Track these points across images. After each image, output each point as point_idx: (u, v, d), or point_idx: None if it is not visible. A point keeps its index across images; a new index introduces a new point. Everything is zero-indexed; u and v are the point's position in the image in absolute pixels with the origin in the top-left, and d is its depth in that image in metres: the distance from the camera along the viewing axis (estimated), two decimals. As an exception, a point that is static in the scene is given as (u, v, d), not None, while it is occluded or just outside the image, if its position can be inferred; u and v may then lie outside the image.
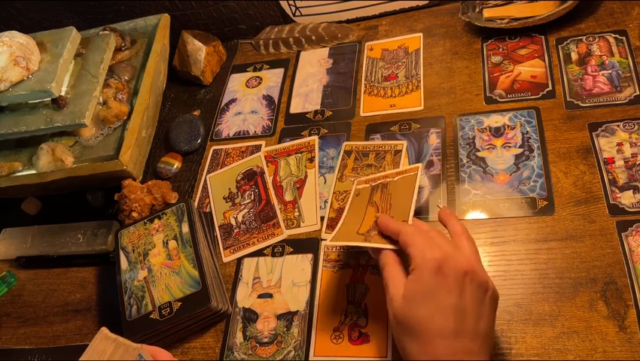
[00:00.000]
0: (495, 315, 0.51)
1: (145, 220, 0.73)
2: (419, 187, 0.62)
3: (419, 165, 0.63)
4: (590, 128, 0.68)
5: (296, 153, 0.79)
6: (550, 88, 0.73)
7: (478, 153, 0.70)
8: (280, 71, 0.92)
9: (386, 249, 0.56)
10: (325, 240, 0.69)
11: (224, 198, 0.78)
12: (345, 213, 0.65)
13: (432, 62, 0.83)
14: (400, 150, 0.74)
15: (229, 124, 0.87)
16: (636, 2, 0.77)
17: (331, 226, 0.70)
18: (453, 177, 0.69)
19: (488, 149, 0.70)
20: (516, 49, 0.79)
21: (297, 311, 0.65)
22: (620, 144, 0.65)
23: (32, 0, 0.97)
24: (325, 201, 0.72)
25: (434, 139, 0.74)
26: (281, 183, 0.77)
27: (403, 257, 0.55)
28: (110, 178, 0.78)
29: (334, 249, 0.68)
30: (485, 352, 0.49)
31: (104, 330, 0.51)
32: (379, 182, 0.66)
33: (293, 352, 0.62)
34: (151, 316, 0.64)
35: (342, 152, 0.77)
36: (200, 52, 0.92)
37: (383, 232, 0.57)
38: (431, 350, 0.48)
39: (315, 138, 0.80)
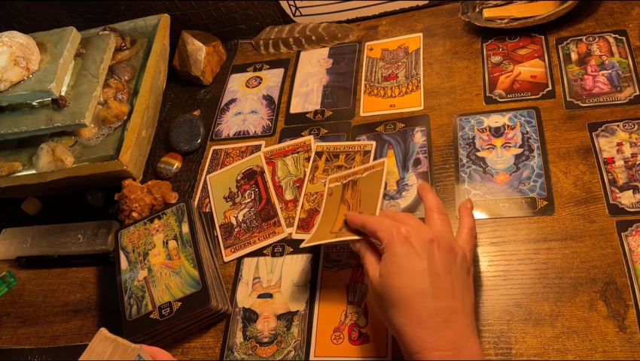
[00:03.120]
0: (469, 278, 0.54)
1: (145, 220, 0.73)
2: (385, 183, 0.64)
3: (384, 159, 0.66)
4: (590, 128, 0.68)
5: (292, 153, 0.79)
6: (550, 88, 0.73)
7: (478, 153, 0.70)
8: (280, 71, 0.92)
9: (353, 239, 0.59)
10: (294, 238, 0.71)
11: (224, 197, 0.78)
12: (320, 215, 0.68)
13: (432, 62, 0.83)
14: (369, 151, 0.75)
15: (229, 124, 0.87)
16: (636, 2, 0.77)
17: (301, 226, 0.71)
18: (453, 177, 0.69)
19: (488, 149, 0.70)
20: (516, 49, 0.79)
21: (297, 311, 0.65)
22: (619, 144, 0.65)
23: (32, 0, 0.97)
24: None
25: (419, 137, 0.74)
26: (280, 184, 0.77)
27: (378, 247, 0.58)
28: (110, 178, 0.78)
29: (334, 249, 0.68)
30: (468, 311, 0.51)
31: (103, 331, 0.51)
32: (349, 179, 0.68)
33: (293, 352, 0.62)
34: (151, 316, 0.64)
35: (313, 153, 0.77)
36: (200, 52, 0.92)
37: (351, 226, 0.60)
38: (415, 315, 0.49)
39: (311, 137, 0.80)
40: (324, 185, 0.72)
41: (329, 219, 0.65)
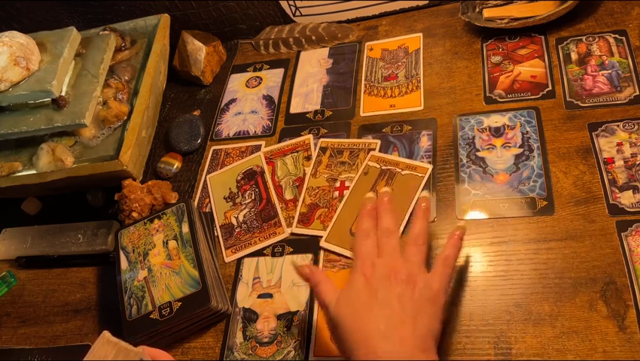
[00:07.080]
0: (432, 307, 0.53)
1: (145, 220, 0.73)
2: (420, 192, 0.63)
3: (430, 167, 0.63)
4: (590, 128, 0.68)
5: (292, 153, 0.79)
6: (550, 88, 0.73)
7: (478, 153, 0.70)
8: (280, 71, 0.92)
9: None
10: (294, 233, 0.71)
11: (224, 198, 0.78)
12: (345, 197, 0.67)
13: (432, 62, 0.83)
14: (374, 149, 0.75)
15: (229, 124, 0.87)
16: (636, 2, 0.77)
17: (302, 221, 0.71)
18: (453, 177, 0.69)
19: (488, 149, 0.70)
20: (516, 49, 0.79)
21: (297, 311, 0.65)
22: (619, 144, 0.65)
23: (32, 0, 0.97)
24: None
25: (425, 141, 0.74)
26: (280, 183, 0.77)
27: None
28: (110, 178, 0.78)
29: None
30: (422, 336, 0.52)
31: (105, 334, 0.50)
32: (389, 167, 0.67)
33: (293, 352, 0.62)
34: (151, 316, 0.64)
35: (317, 149, 0.77)
36: (200, 52, 0.92)
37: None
38: (363, 339, 0.51)
39: (310, 136, 0.80)
40: (364, 160, 0.71)
41: (352, 211, 0.65)
